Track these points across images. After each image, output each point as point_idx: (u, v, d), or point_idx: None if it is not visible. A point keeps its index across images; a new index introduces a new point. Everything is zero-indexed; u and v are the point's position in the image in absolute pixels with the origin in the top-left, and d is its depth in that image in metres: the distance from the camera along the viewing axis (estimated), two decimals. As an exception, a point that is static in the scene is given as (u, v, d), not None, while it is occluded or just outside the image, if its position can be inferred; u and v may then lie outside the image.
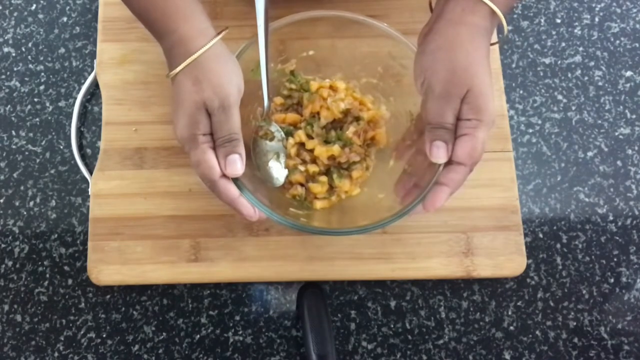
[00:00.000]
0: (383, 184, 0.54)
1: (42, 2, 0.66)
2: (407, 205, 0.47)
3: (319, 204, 0.53)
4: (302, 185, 0.54)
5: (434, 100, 0.45)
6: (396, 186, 0.51)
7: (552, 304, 0.56)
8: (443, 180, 0.45)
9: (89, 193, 0.57)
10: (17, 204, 0.59)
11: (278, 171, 0.54)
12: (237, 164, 0.46)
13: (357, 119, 0.55)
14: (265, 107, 0.53)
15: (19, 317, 0.56)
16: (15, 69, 0.63)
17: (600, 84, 0.63)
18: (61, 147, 0.61)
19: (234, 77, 0.47)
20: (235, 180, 0.47)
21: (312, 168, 0.53)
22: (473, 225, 0.56)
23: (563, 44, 0.65)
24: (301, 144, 0.54)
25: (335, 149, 0.53)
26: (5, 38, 0.64)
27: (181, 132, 0.46)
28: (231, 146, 0.46)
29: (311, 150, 0.53)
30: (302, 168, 0.53)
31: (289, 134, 0.54)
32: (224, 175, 0.46)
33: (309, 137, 0.54)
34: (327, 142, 0.54)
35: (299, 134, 0.54)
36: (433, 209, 0.45)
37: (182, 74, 0.46)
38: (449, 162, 0.46)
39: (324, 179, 0.53)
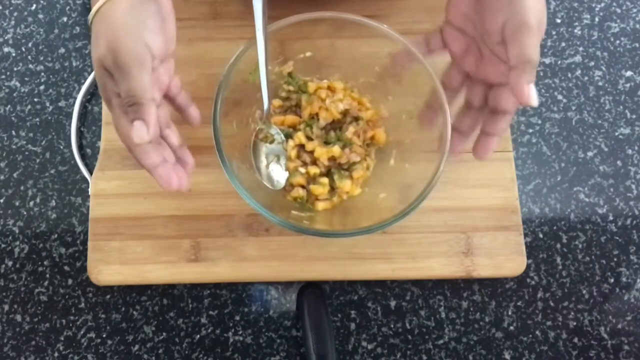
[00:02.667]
0: (384, 184, 0.54)
1: (42, 2, 0.66)
2: (409, 205, 0.47)
3: (320, 206, 0.53)
4: (303, 187, 0.54)
5: (531, 35, 0.41)
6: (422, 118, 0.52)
7: (552, 304, 0.56)
8: (492, 131, 0.47)
9: (89, 193, 0.57)
10: (17, 204, 0.59)
11: (279, 174, 0.54)
12: (142, 131, 0.41)
13: (357, 119, 0.55)
14: (265, 109, 0.53)
15: (19, 317, 0.56)
16: (15, 69, 0.63)
17: (600, 84, 0.63)
18: (61, 147, 0.61)
19: (139, 30, 0.41)
20: (236, 181, 0.47)
21: (313, 170, 0.53)
22: (473, 225, 0.56)
23: (563, 44, 0.65)
24: (301, 146, 0.54)
25: (336, 149, 0.53)
26: (5, 38, 0.64)
27: (100, 92, 0.44)
28: (133, 111, 0.41)
29: (311, 152, 0.53)
30: (302, 170, 0.53)
31: (288, 136, 0.54)
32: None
33: (309, 138, 0.54)
34: (327, 143, 0.54)
35: (298, 135, 0.54)
36: (487, 157, 0.48)
37: (93, 26, 0.42)
38: (495, 112, 0.47)
39: (325, 180, 0.53)
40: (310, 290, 0.54)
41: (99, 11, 0.41)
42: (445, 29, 0.50)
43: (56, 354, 0.55)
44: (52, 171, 0.60)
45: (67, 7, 0.66)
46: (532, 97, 0.41)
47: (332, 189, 0.54)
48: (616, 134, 0.61)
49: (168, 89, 0.48)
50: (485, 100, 0.49)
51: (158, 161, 0.44)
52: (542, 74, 0.63)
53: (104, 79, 0.42)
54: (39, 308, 0.56)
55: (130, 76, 0.40)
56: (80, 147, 0.61)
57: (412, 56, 0.51)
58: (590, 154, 0.61)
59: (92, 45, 0.42)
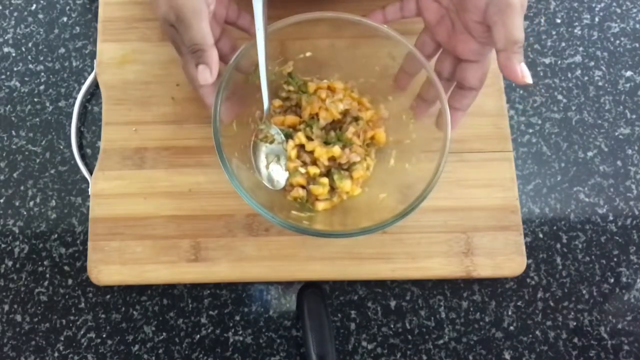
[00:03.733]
0: (384, 184, 0.54)
1: (42, 2, 0.66)
2: (409, 206, 0.47)
3: (320, 206, 0.53)
4: (303, 187, 0.54)
5: (516, 15, 0.42)
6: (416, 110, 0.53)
7: (552, 304, 0.56)
8: (457, 105, 0.49)
9: (89, 193, 0.57)
10: (17, 204, 0.59)
11: (279, 174, 0.54)
12: (206, 74, 0.46)
13: (356, 119, 0.55)
14: (265, 109, 0.53)
15: (19, 317, 0.56)
16: (15, 69, 0.63)
17: (600, 84, 0.63)
18: (61, 147, 0.61)
19: None
20: (236, 181, 0.47)
21: (313, 170, 0.53)
22: (473, 225, 0.56)
23: (563, 44, 0.65)
24: (301, 146, 0.54)
25: (336, 149, 0.53)
26: (5, 38, 0.64)
27: (171, 43, 0.49)
28: (196, 57, 0.46)
29: (311, 152, 0.53)
30: (302, 170, 0.53)
31: (288, 136, 0.54)
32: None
33: (309, 138, 0.54)
34: (327, 143, 0.54)
35: (298, 135, 0.54)
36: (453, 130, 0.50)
37: None
38: (461, 87, 0.48)
39: (325, 180, 0.53)
40: (310, 290, 0.54)
41: None
42: None
43: (56, 354, 0.55)
44: (52, 171, 0.60)
45: (67, 7, 0.66)
46: (526, 75, 0.42)
47: (332, 189, 0.54)
48: (616, 134, 0.61)
49: (227, 16, 0.52)
50: (454, 73, 0.50)
51: (213, 103, 0.49)
52: (542, 74, 0.63)
53: (171, 33, 0.47)
54: (39, 308, 0.56)
55: (191, 27, 0.45)
56: (80, 147, 0.61)
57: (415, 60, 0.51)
58: (590, 154, 0.61)
59: (154, 5, 0.47)
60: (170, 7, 0.45)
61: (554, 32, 0.65)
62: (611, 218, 0.59)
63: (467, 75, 0.48)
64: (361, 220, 0.50)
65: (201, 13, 0.45)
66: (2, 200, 0.59)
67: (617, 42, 0.65)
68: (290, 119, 0.55)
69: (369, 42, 0.53)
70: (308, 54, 0.56)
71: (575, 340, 0.55)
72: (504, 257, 0.55)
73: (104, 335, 0.55)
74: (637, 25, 0.65)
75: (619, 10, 0.66)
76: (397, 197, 0.51)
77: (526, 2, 0.44)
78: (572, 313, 0.56)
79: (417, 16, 0.52)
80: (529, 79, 0.42)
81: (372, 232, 0.47)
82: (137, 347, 0.55)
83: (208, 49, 0.46)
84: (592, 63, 0.64)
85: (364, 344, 0.55)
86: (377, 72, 0.56)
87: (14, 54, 0.64)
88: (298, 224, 0.48)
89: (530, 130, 0.61)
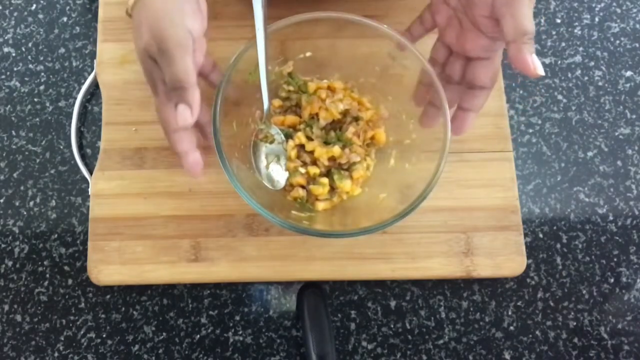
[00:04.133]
0: (384, 184, 0.54)
1: (42, 2, 0.66)
2: (409, 206, 0.47)
3: (320, 206, 0.53)
4: (303, 187, 0.54)
5: (524, 6, 0.41)
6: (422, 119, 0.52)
7: (552, 304, 0.56)
8: (468, 106, 0.48)
9: (89, 193, 0.57)
10: (17, 204, 0.59)
11: (279, 174, 0.54)
12: (186, 114, 0.42)
13: (357, 119, 0.55)
14: (265, 109, 0.53)
15: (19, 317, 0.56)
16: (15, 69, 0.63)
17: (600, 84, 0.63)
18: (61, 147, 0.61)
19: (179, 17, 0.42)
20: (236, 181, 0.47)
21: (313, 170, 0.53)
22: (473, 225, 0.56)
23: (563, 44, 0.65)
24: (301, 146, 0.54)
25: (336, 149, 0.53)
26: (5, 38, 0.64)
27: (144, 78, 0.45)
28: (176, 95, 0.42)
29: (311, 152, 0.53)
30: (302, 170, 0.53)
31: (288, 136, 0.54)
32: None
33: (309, 138, 0.54)
34: (327, 143, 0.54)
35: (298, 135, 0.54)
36: (462, 133, 0.49)
37: (133, 15, 0.44)
38: (472, 87, 0.47)
39: (325, 180, 0.53)
40: (310, 290, 0.54)
41: (140, 1, 0.43)
42: (432, 2, 0.50)
43: (56, 354, 0.55)
44: (52, 171, 0.60)
45: (67, 7, 0.66)
46: (538, 67, 0.41)
47: (332, 189, 0.54)
48: (616, 134, 0.61)
49: (202, 66, 0.49)
50: (464, 75, 0.49)
51: (188, 148, 0.46)
52: (542, 74, 0.63)
53: (150, 66, 0.44)
54: (39, 308, 0.56)
55: (174, 62, 0.42)
56: (80, 147, 0.61)
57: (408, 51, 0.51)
58: (590, 154, 0.61)
59: (135, 34, 0.44)
60: (152, 38, 0.42)
61: (554, 32, 0.65)
62: (611, 218, 0.59)
63: (478, 73, 0.47)
64: (361, 220, 0.50)
65: (186, 48, 0.42)
66: (2, 200, 0.59)
67: (617, 42, 0.65)
68: (290, 119, 0.55)
69: (369, 42, 0.53)
70: (308, 54, 0.56)
71: (575, 340, 0.55)
72: (504, 257, 0.55)
73: (104, 335, 0.55)
74: (637, 25, 0.65)
75: (619, 10, 0.66)
76: (397, 197, 0.51)
77: None
78: (572, 313, 0.56)
79: (435, 24, 0.51)
80: (540, 70, 0.41)
81: (372, 232, 0.47)
82: (137, 347, 0.55)
83: (190, 87, 0.42)
84: (592, 63, 0.64)
85: (364, 344, 0.55)
86: (377, 72, 0.56)
87: (14, 54, 0.64)
88: (298, 224, 0.48)
89: (530, 130, 0.61)
